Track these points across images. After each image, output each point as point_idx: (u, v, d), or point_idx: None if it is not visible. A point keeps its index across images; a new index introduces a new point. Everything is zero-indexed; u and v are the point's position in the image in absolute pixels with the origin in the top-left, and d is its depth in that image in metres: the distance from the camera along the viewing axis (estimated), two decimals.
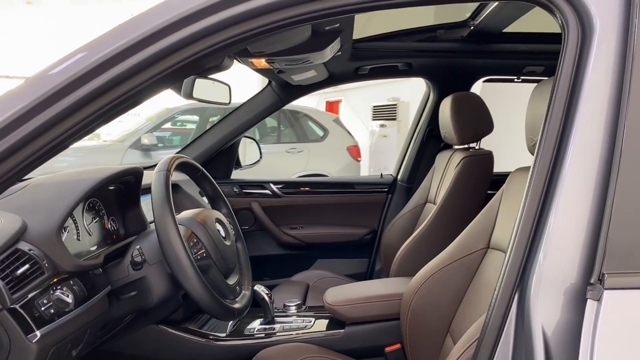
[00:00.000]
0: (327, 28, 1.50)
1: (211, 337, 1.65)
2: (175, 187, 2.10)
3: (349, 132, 7.01)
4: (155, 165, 1.36)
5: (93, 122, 0.85)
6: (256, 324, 1.75)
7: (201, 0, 0.84)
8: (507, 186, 1.48)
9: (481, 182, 1.98)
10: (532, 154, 1.34)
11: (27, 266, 1.04)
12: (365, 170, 7.79)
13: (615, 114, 0.80)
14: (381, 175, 2.74)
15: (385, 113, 7.83)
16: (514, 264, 0.86)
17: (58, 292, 1.09)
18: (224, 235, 1.37)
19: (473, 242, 1.51)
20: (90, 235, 1.37)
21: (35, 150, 0.82)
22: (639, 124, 0.79)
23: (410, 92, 7.41)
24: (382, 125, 7.87)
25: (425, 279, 1.55)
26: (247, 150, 2.83)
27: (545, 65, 2.25)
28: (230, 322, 1.76)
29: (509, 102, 2.39)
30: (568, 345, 0.78)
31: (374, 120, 8.21)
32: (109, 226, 1.48)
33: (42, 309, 1.04)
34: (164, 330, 1.64)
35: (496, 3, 1.74)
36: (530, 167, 1.52)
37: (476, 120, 2.01)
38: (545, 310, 0.81)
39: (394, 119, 7.58)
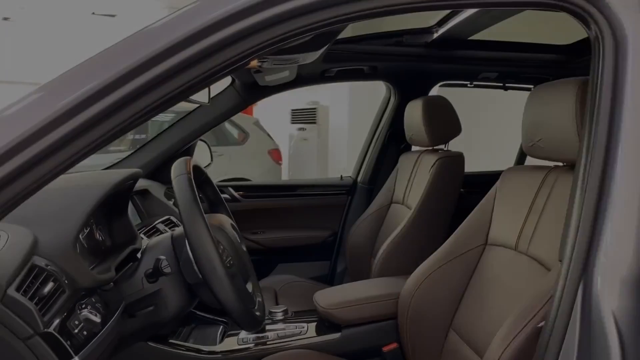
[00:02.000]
0: (330, 29, 1.48)
1: (219, 352, 1.54)
2: (144, 192, 1.95)
3: (269, 136, 6.93)
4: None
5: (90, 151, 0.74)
6: (245, 333, 1.68)
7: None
8: (501, 184, 1.55)
9: (455, 182, 2.06)
10: (529, 155, 1.43)
11: (50, 284, 0.92)
12: (286, 174, 7.74)
13: None
14: (341, 177, 2.75)
15: (304, 117, 7.82)
16: (578, 258, 0.91)
17: (85, 312, 0.97)
18: (239, 240, 1.30)
19: (470, 240, 1.57)
20: (86, 247, 1.23)
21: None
22: None
23: (331, 96, 7.51)
24: (301, 129, 7.86)
25: (424, 277, 1.58)
26: (195, 153, 2.70)
27: (499, 71, 2.40)
28: (219, 334, 1.67)
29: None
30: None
31: (292, 123, 8.17)
32: (98, 236, 1.34)
33: (75, 331, 0.92)
34: (155, 347, 1.51)
35: (475, 10, 1.82)
36: (520, 167, 1.60)
37: (446, 123, 2.10)
38: (614, 299, 0.86)
39: (314, 123, 7.60)
